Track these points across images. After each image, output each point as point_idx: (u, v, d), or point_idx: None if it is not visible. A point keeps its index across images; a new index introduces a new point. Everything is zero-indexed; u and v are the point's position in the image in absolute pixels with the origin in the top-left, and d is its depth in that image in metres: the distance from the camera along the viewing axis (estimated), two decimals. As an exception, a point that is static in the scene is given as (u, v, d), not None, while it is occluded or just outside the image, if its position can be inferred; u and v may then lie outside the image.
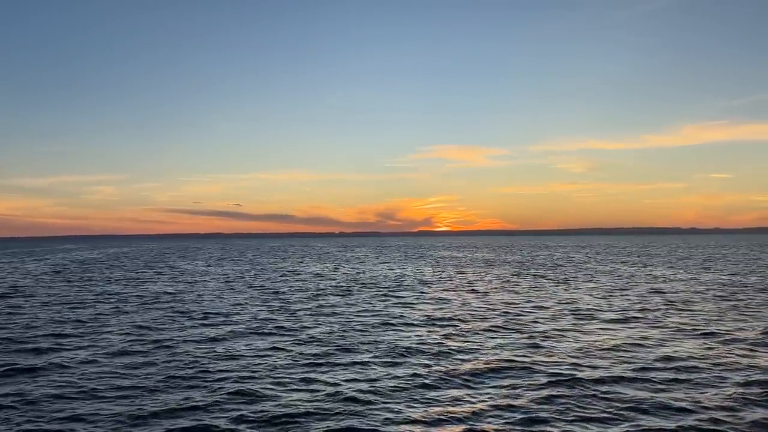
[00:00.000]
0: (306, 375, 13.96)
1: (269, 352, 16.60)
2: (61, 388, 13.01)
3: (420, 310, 25.28)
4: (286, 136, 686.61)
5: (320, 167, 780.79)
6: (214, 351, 16.83)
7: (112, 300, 30.03)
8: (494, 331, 19.59)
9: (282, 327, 20.92)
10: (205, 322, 22.52)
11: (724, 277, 42.53)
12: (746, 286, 34.71)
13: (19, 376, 14.25)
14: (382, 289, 34.75)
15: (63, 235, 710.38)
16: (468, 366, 14.61)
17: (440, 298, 29.71)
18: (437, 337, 18.74)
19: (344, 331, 19.94)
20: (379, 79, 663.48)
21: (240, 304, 27.75)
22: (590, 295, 30.62)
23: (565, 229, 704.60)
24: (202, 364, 15.22)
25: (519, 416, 10.82)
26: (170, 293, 33.52)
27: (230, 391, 12.60)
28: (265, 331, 20.19)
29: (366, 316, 23.32)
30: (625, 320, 21.82)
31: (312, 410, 11.28)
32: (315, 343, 17.77)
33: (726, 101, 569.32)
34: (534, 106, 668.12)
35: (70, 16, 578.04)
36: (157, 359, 15.86)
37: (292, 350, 16.83)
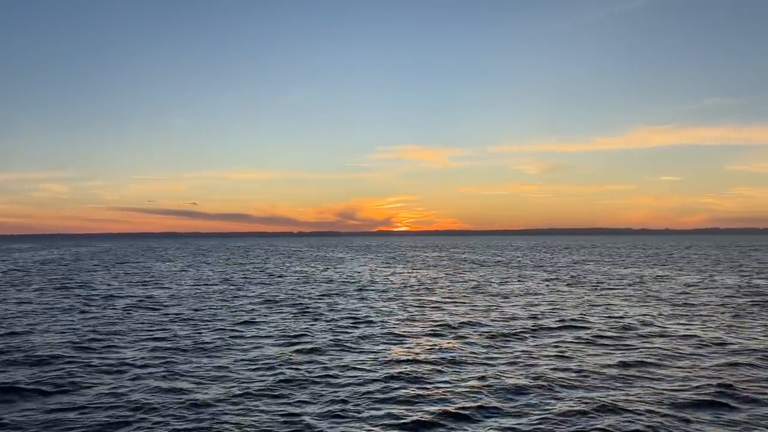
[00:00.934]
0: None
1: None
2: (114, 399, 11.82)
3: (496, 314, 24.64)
4: (244, 134, 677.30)
5: (279, 166, 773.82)
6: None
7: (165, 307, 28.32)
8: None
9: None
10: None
11: (753, 281, 43.37)
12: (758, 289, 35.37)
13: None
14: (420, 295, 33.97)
15: (8, 234, 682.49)
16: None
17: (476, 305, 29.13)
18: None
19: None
20: (340, 77, 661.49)
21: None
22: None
23: (520, 230, 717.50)
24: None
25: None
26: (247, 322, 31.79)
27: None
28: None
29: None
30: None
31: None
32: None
33: (676, 105, 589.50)
34: (493, 108, 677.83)
35: (16, 9, 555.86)
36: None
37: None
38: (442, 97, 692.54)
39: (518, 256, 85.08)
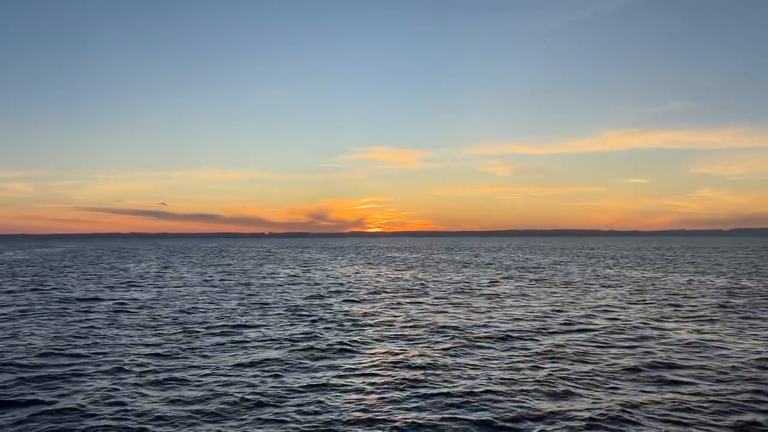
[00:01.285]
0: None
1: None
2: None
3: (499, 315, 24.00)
4: (215, 134, 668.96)
5: (249, 166, 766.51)
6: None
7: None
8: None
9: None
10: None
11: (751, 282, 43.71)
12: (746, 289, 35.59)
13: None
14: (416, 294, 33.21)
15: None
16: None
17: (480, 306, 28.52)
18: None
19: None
20: (311, 79, 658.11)
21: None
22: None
23: (491, 231, 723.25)
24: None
25: None
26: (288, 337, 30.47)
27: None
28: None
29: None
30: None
31: None
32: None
33: (642, 109, 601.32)
34: (464, 110, 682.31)
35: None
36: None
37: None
38: (412, 99, 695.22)
39: (498, 257, 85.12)
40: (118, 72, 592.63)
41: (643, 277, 45.55)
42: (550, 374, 14.26)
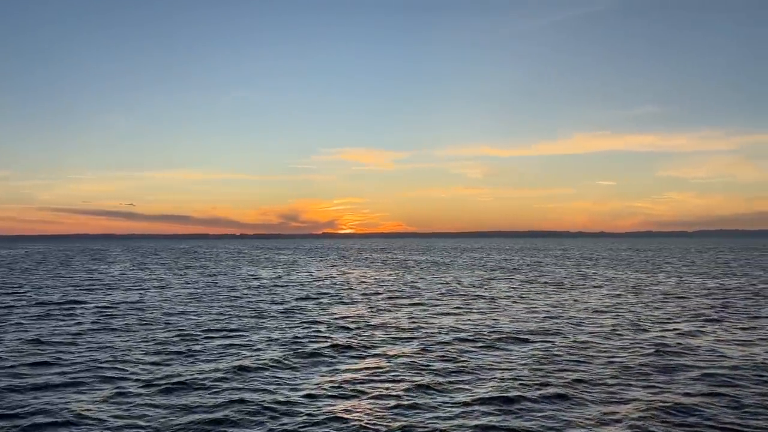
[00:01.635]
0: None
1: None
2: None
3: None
4: (185, 134, 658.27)
5: (220, 167, 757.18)
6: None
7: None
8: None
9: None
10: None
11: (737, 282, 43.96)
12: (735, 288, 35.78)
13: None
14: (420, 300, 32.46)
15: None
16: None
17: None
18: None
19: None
20: (282, 79, 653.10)
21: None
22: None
23: (464, 232, 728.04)
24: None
25: None
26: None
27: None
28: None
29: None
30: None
31: None
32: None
33: (611, 112, 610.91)
34: (437, 111, 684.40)
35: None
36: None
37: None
38: (385, 99, 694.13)
39: (478, 258, 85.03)
40: (86, 71, 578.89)
41: (630, 277, 45.68)
42: (561, 377, 13.73)
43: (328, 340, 18.57)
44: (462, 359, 15.84)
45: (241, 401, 12.00)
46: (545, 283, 40.52)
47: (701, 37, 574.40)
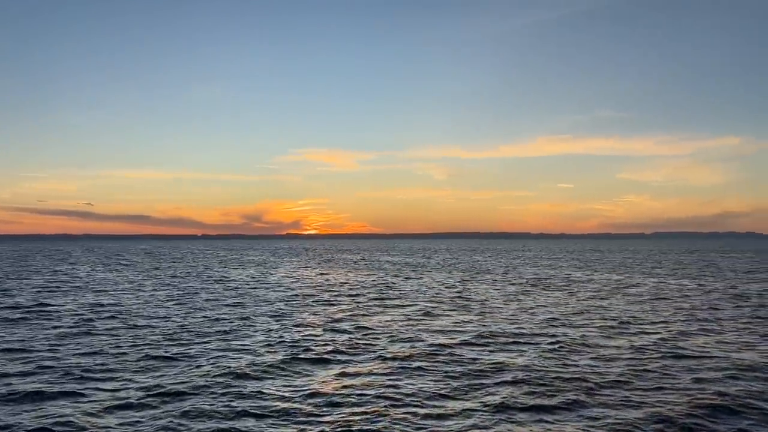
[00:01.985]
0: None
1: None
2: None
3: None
4: (147, 133, 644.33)
5: (184, 166, 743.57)
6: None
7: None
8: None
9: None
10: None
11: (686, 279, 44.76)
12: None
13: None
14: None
15: None
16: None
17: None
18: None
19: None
20: (246, 78, 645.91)
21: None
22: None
23: (428, 233, 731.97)
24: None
25: None
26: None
27: None
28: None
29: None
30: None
31: None
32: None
33: (571, 116, 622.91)
34: (401, 113, 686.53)
35: None
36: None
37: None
38: (349, 100, 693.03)
39: (449, 259, 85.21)
40: (43, 68, 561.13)
41: (607, 279, 46.28)
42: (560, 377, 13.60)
43: (324, 343, 18.14)
44: (462, 359, 15.58)
45: (241, 406, 11.55)
46: (522, 284, 40.69)
47: (659, 44, 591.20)
